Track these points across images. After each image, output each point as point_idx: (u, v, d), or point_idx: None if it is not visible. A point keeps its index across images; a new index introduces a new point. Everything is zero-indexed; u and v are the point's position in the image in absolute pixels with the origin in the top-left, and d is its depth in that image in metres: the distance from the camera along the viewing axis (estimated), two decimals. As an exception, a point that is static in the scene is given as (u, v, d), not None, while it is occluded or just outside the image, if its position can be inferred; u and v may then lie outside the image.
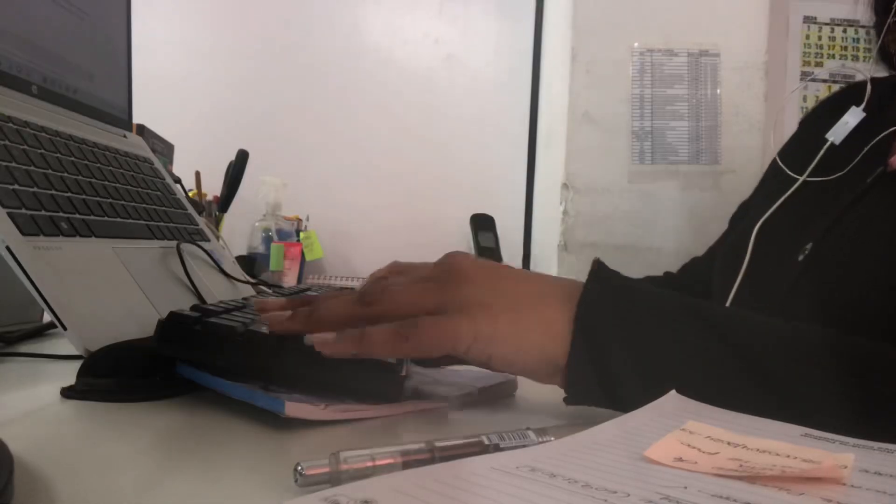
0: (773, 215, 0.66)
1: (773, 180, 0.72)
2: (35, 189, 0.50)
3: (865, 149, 0.61)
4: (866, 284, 0.52)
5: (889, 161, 0.58)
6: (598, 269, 0.42)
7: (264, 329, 0.40)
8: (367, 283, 0.45)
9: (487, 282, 0.41)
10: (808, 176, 0.65)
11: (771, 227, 0.66)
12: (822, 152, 0.65)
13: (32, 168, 0.52)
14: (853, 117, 0.65)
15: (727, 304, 0.65)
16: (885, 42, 0.66)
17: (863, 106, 0.65)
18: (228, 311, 0.44)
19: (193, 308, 0.43)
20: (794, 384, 0.37)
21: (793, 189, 0.66)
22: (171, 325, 0.40)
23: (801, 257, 0.59)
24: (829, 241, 0.58)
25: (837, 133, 0.65)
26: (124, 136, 0.73)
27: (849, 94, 0.70)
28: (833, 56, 1.78)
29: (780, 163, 0.69)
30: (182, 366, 0.40)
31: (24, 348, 0.54)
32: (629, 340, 0.39)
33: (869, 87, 0.65)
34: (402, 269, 0.46)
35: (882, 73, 0.69)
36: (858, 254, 0.55)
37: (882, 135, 0.59)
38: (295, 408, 0.35)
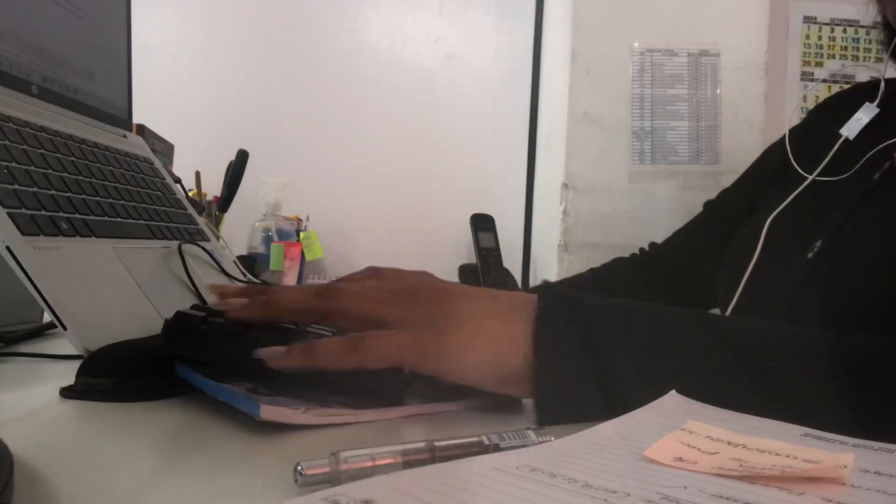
0: (784, 211, 0.67)
1: (782, 175, 0.72)
2: (35, 189, 0.50)
3: (875, 149, 0.61)
4: (876, 280, 0.53)
5: (894, 156, 0.59)
6: (545, 283, 0.43)
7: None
8: (332, 281, 0.47)
9: (440, 304, 0.42)
10: (817, 175, 0.66)
11: (781, 223, 0.66)
12: (834, 149, 0.66)
13: (32, 168, 0.52)
14: (866, 114, 0.66)
15: (735, 298, 0.66)
16: None
17: (877, 101, 0.65)
18: None
19: (199, 308, 0.43)
20: (793, 383, 0.37)
21: (803, 187, 0.67)
22: (177, 324, 0.40)
23: (810, 255, 0.59)
24: (839, 238, 0.58)
25: (851, 129, 0.66)
26: (124, 136, 0.73)
27: (860, 94, 0.71)
28: (833, 56, 1.78)
29: (791, 158, 0.70)
30: (181, 366, 0.40)
31: (24, 348, 0.54)
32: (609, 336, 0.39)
33: (883, 84, 0.66)
34: (375, 272, 0.46)
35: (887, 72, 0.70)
36: (868, 250, 0.56)
37: (894, 140, 0.60)
38: (271, 411, 0.34)
